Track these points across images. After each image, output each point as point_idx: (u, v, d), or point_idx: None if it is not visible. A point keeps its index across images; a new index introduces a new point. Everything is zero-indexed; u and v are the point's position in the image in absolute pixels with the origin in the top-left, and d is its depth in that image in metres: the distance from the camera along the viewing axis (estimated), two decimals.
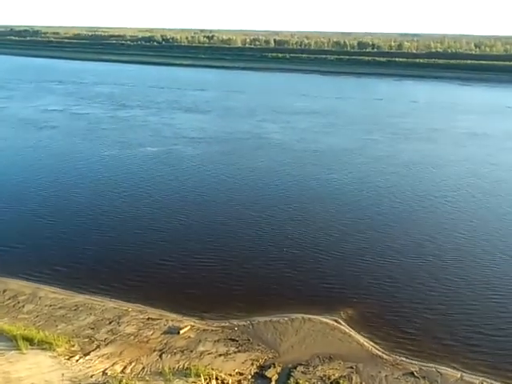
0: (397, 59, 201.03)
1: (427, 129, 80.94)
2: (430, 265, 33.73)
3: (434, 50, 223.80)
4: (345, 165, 58.20)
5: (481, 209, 44.68)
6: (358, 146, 68.21)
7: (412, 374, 22.88)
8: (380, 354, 24.51)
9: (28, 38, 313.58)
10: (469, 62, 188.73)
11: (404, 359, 24.09)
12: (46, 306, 28.04)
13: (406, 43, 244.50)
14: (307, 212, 42.90)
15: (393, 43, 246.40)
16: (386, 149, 66.90)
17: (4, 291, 29.48)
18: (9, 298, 28.75)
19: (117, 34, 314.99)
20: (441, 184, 51.52)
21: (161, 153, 61.93)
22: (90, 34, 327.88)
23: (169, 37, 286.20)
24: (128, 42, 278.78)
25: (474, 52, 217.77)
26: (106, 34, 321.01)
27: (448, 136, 75.77)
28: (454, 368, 23.53)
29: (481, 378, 22.77)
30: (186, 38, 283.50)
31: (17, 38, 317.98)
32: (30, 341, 23.59)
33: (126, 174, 53.05)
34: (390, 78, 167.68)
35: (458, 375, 23.00)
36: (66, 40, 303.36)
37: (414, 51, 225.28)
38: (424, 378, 22.59)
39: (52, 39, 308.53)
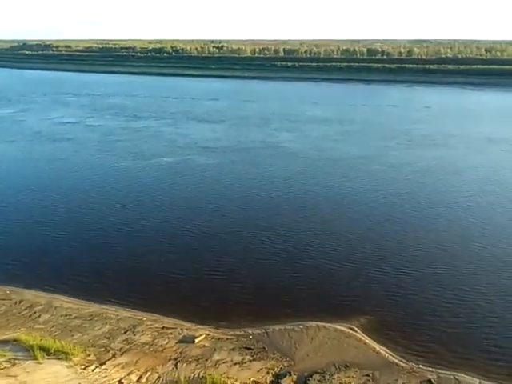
0: (407, 65, 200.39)
1: (443, 135, 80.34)
2: (447, 274, 33.36)
3: (444, 56, 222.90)
4: (360, 173, 57.83)
5: (500, 217, 44.10)
6: (374, 153, 67.87)
7: (429, 381, 22.61)
8: (397, 361, 24.27)
9: (40, 52, 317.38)
10: (479, 66, 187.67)
11: (421, 367, 23.81)
12: (61, 315, 28.18)
13: (415, 49, 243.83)
14: (322, 221, 42.80)
15: (402, 50, 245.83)
16: (402, 156, 66.45)
17: (20, 302, 29.70)
18: (25, 309, 28.95)
19: (127, 46, 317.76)
20: (459, 191, 50.93)
21: (175, 163, 62.20)
22: (100, 46, 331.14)
23: (179, 48, 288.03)
24: (138, 54, 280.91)
25: (484, 57, 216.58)
26: (117, 46, 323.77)
27: (465, 142, 75.10)
28: (473, 375, 23.20)
29: None
30: (196, 48, 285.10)
31: (29, 52, 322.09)
32: (46, 350, 23.69)
33: (140, 184, 53.34)
34: (401, 85, 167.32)
35: (477, 383, 22.70)
36: (78, 53, 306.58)
37: (424, 57, 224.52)
38: None
39: (64, 52, 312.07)
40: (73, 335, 26.07)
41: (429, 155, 66.48)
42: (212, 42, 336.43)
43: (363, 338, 26.13)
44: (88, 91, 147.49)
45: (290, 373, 23.05)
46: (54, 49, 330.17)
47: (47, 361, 23.25)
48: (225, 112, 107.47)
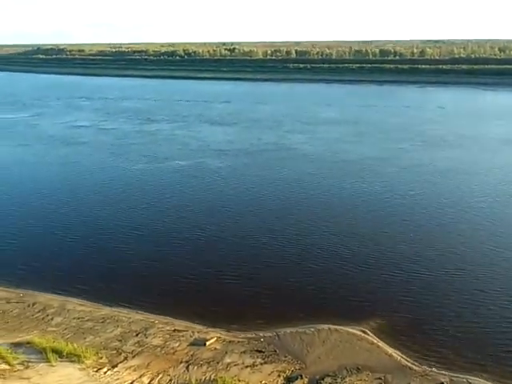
0: (419, 66, 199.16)
1: (458, 136, 79.62)
2: (460, 278, 32.93)
3: (457, 56, 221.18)
4: (374, 175, 57.39)
5: None
6: (388, 155, 67.46)
7: None
8: (409, 364, 24.06)
9: (54, 56, 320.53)
10: (493, 66, 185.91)
11: (434, 370, 23.58)
12: (74, 318, 28.37)
13: (428, 50, 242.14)
14: (334, 223, 42.60)
15: (415, 50, 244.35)
16: (418, 157, 65.85)
17: (33, 304, 29.96)
18: (38, 311, 29.19)
19: (140, 49, 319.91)
20: (473, 193, 50.17)
21: (188, 166, 62.36)
22: (113, 50, 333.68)
23: (191, 51, 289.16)
24: (151, 57, 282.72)
25: (498, 56, 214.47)
26: (130, 50, 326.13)
27: (479, 143, 74.28)
28: (487, 379, 22.92)
29: None
30: (208, 51, 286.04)
31: (43, 57, 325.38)
32: (59, 353, 23.86)
33: (153, 188, 53.56)
34: (413, 86, 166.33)
35: None
36: (91, 57, 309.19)
37: (437, 57, 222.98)
38: None
39: (77, 56, 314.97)
40: (85, 338, 26.23)
41: (443, 156, 65.85)
42: (224, 44, 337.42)
43: (375, 341, 25.96)
44: (101, 95, 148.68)
45: (301, 376, 22.97)
46: (68, 53, 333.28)
47: (60, 363, 23.42)
48: (237, 114, 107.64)
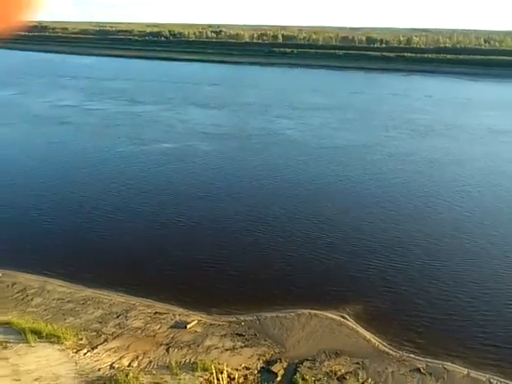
0: (405, 54, 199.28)
1: (445, 125, 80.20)
2: (439, 265, 33.56)
3: (442, 45, 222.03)
4: (362, 162, 57.67)
5: (497, 210, 44.15)
6: (376, 142, 67.75)
7: (419, 370, 22.84)
8: (387, 350, 24.49)
9: (37, 34, 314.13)
10: (478, 57, 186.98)
11: (411, 355, 24.04)
12: (54, 299, 28.24)
13: (414, 38, 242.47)
14: (316, 210, 42.84)
15: (401, 38, 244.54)
16: (405, 146, 66.22)
17: (13, 285, 29.72)
18: (17, 292, 28.98)
19: (124, 29, 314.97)
20: (457, 183, 50.69)
21: (175, 149, 61.88)
22: (97, 29, 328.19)
23: (176, 32, 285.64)
24: (136, 38, 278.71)
25: (483, 47, 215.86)
26: (114, 29, 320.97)
27: (466, 132, 74.92)
28: (461, 365, 23.45)
29: (488, 375, 22.67)
30: (194, 33, 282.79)
31: (26, 33, 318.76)
32: (38, 334, 23.78)
33: (137, 170, 53.20)
34: (399, 73, 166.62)
35: (465, 372, 22.93)
36: (74, 35, 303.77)
37: (423, 46, 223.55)
38: (430, 374, 22.56)
39: (60, 34, 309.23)
40: (65, 319, 26.15)
41: (431, 145, 66.35)
42: (210, 26, 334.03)
43: (354, 327, 26.32)
44: (85, 74, 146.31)
45: (280, 360, 23.24)
46: (51, 31, 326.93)
47: (39, 344, 23.34)
48: (224, 98, 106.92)
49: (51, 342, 23.50)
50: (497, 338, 25.73)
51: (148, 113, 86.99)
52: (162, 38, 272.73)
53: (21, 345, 23.21)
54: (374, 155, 60.79)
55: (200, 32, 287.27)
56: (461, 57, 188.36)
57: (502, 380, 22.45)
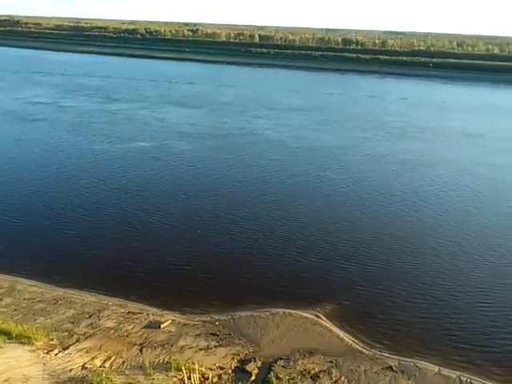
0: (380, 57, 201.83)
1: (420, 127, 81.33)
2: (410, 265, 34.01)
3: (417, 48, 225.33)
4: (338, 163, 58.03)
5: (471, 208, 45.04)
6: (352, 144, 68.24)
7: (391, 368, 23.12)
8: (360, 348, 24.72)
9: (8, 28, 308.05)
10: (451, 60, 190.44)
11: (383, 354, 24.32)
12: (24, 299, 27.71)
13: (389, 41, 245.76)
14: (291, 209, 42.97)
15: (377, 40, 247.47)
16: (380, 147, 66.79)
17: None
18: None
19: (99, 25, 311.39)
20: (432, 184, 51.37)
21: (152, 148, 61.28)
22: (71, 25, 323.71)
23: (152, 30, 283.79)
24: (111, 34, 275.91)
25: (456, 51, 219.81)
26: (89, 25, 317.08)
27: (440, 135, 76.03)
28: (432, 362, 23.82)
29: (458, 373, 23.08)
30: (170, 31, 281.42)
31: None
32: (7, 335, 23.33)
33: (112, 169, 52.57)
34: (374, 75, 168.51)
35: (436, 369, 23.29)
36: (48, 31, 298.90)
37: (398, 49, 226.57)
38: (402, 372, 22.85)
39: (33, 30, 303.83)
40: (36, 319, 25.69)
41: (405, 147, 67.17)
42: (187, 24, 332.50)
43: (328, 326, 26.49)
44: (59, 70, 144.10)
45: (255, 359, 23.24)
46: (24, 26, 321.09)
47: (9, 345, 22.88)
48: (201, 97, 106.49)
49: (21, 343, 23.07)
50: (466, 337, 26.21)
51: (124, 111, 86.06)
52: (138, 36, 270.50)
53: None
54: (350, 156, 61.26)
55: (176, 30, 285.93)
56: (434, 60, 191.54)
57: (472, 377, 22.88)
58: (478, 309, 28.90)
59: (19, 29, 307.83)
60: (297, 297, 29.25)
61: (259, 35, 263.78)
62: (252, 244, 35.96)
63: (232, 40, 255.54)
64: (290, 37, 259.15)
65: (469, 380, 22.65)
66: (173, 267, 32.29)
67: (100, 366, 21.98)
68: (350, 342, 25.25)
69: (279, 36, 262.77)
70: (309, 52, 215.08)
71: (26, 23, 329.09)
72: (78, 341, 23.93)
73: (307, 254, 34.73)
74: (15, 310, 26.55)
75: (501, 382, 22.88)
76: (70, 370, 21.54)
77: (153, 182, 48.60)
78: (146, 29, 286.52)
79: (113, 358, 22.71)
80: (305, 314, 27.37)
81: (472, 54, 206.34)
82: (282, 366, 22.72)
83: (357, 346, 24.86)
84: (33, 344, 23.02)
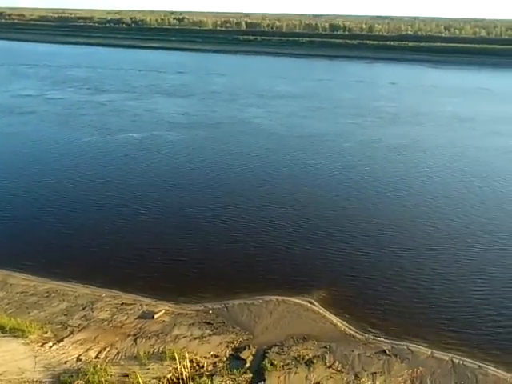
0: (368, 42, 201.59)
1: (411, 112, 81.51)
2: (403, 247, 34.29)
3: (404, 33, 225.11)
4: (330, 150, 58.02)
5: (464, 192, 45.24)
6: (343, 130, 68.23)
7: (384, 352, 23.37)
8: (353, 333, 24.93)
9: None
10: (439, 44, 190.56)
11: (376, 338, 24.56)
12: (17, 293, 27.63)
13: (377, 26, 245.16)
14: (284, 197, 43.02)
15: (364, 26, 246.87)
16: (373, 133, 66.79)
17: None
18: None
19: (84, 16, 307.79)
20: (424, 169, 51.49)
21: (142, 139, 60.95)
22: (56, 16, 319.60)
23: (138, 19, 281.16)
24: (96, 25, 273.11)
25: (444, 34, 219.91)
26: (73, 16, 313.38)
27: (431, 119, 76.21)
28: (425, 346, 24.10)
29: (450, 355, 23.36)
30: (156, 20, 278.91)
31: None
32: (1, 328, 23.32)
33: (102, 160, 52.16)
34: (363, 61, 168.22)
35: (429, 352, 23.56)
36: (32, 22, 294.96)
37: (385, 34, 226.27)
38: (396, 355, 23.10)
39: (17, 21, 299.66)
40: (29, 312, 25.65)
41: (397, 132, 67.24)
42: (172, 13, 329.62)
43: (321, 311, 26.67)
44: (46, 62, 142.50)
45: (249, 346, 23.39)
46: (7, 17, 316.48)
47: (3, 338, 22.86)
48: (190, 86, 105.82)
49: (15, 336, 23.05)
50: (458, 320, 26.51)
51: (112, 102, 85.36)
52: (124, 25, 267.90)
53: None
54: (342, 143, 61.28)
55: (162, 19, 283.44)
56: (422, 44, 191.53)
57: (464, 359, 23.17)
58: (470, 292, 29.20)
59: (2, 21, 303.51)
60: (290, 284, 29.40)
61: (246, 22, 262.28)
62: (243, 232, 35.99)
63: (219, 28, 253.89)
64: (277, 23, 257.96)
65: (461, 362, 22.94)
66: (165, 257, 32.27)
67: (95, 358, 22.04)
68: (343, 327, 25.46)
69: (266, 23, 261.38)
70: (296, 38, 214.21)
71: (9, 15, 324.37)
72: (72, 333, 23.94)
73: (299, 241, 34.84)
74: (8, 304, 26.48)
75: (493, 363, 23.18)
76: (65, 362, 21.57)
77: (145, 172, 48.40)
78: (131, 18, 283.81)
79: (107, 349, 22.76)
80: (298, 301, 27.53)
81: (459, 38, 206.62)
82: (276, 353, 22.89)
83: (350, 331, 25.07)
84: (27, 337, 23.01)
